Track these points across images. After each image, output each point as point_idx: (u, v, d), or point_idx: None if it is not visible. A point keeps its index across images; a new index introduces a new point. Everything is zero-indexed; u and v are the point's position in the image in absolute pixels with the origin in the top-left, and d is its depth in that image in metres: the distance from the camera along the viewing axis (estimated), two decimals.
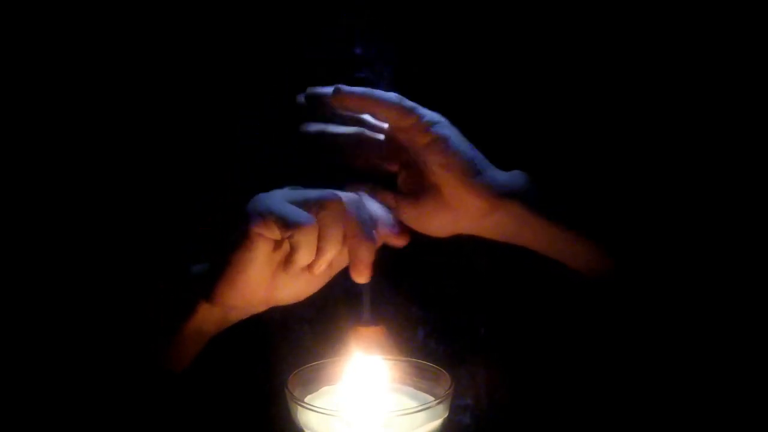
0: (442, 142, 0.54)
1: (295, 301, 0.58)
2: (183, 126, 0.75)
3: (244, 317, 0.59)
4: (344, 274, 0.69)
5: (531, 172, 0.59)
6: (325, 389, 0.53)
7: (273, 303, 0.57)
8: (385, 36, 0.70)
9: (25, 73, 0.73)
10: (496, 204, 0.55)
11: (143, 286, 0.68)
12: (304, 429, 0.48)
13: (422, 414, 0.47)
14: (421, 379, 0.53)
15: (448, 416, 0.49)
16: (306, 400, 0.50)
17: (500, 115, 0.74)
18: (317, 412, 0.47)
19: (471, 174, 0.54)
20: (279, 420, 0.52)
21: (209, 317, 0.57)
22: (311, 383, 0.52)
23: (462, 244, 0.65)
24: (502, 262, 0.65)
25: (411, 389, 0.53)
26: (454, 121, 0.63)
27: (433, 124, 0.54)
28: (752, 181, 0.62)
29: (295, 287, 0.56)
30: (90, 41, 0.74)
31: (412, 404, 0.49)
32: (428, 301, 0.72)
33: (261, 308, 0.58)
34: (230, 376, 0.71)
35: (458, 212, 0.56)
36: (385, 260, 0.61)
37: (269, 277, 0.54)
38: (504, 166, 0.58)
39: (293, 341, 0.72)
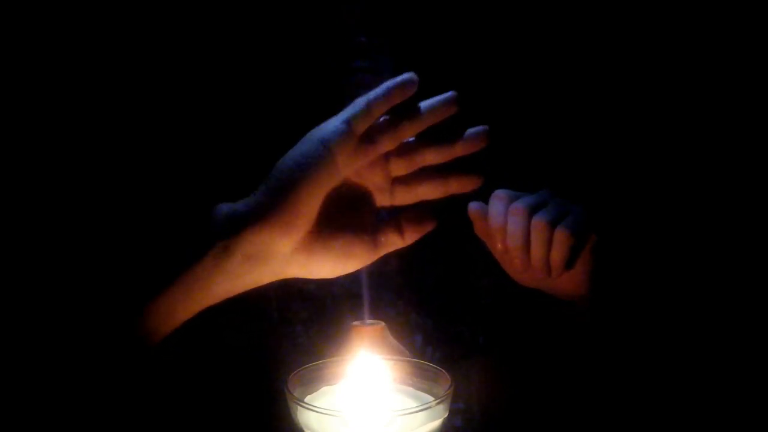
0: None
1: (329, 277, 0.57)
2: (183, 126, 0.75)
3: (266, 280, 0.56)
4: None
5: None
6: (325, 389, 0.53)
7: (307, 272, 0.56)
8: (386, 28, 0.70)
9: (25, 72, 0.73)
10: None
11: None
12: (304, 429, 0.48)
13: (422, 414, 0.47)
14: (421, 379, 0.53)
15: (447, 416, 0.49)
16: (306, 400, 0.50)
17: (501, 111, 0.74)
18: (317, 412, 0.47)
19: None
20: (279, 420, 0.52)
21: (233, 258, 0.53)
22: (311, 383, 0.52)
23: (462, 256, 0.66)
24: (500, 273, 0.66)
25: (411, 389, 0.53)
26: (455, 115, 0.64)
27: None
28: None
29: (330, 262, 0.56)
30: (90, 41, 0.74)
31: (412, 404, 0.49)
32: (427, 308, 0.72)
33: (293, 268, 0.56)
34: (230, 376, 0.71)
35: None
36: (386, 268, 0.62)
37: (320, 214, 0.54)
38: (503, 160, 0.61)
39: (293, 341, 0.72)
